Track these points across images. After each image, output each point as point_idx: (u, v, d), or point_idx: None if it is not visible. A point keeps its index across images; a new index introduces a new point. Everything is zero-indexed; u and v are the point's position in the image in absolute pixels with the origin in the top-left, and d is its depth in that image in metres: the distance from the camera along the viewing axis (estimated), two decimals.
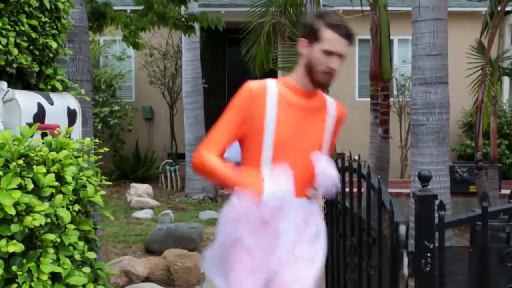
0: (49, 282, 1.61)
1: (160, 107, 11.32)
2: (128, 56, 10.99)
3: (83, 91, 2.65)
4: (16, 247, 1.47)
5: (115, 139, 10.61)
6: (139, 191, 8.67)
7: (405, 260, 2.20)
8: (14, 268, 1.53)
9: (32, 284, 1.56)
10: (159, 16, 6.36)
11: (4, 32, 2.06)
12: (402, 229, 2.23)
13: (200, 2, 9.69)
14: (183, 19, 6.64)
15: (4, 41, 2.02)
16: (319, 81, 2.20)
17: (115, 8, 6.02)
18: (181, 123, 10.26)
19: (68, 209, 1.68)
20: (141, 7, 6.35)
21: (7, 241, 1.50)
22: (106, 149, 2.27)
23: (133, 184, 8.91)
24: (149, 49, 10.34)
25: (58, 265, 1.64)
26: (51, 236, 1.58)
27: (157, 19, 6.38)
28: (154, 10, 6.25)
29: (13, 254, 1.54)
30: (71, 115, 2.31)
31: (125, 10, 8.21)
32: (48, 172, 1.65)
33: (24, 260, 1.56)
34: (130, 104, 10.95)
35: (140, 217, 7.70)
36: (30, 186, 1.56)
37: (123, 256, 5.13)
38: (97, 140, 2.14)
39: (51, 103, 2.20)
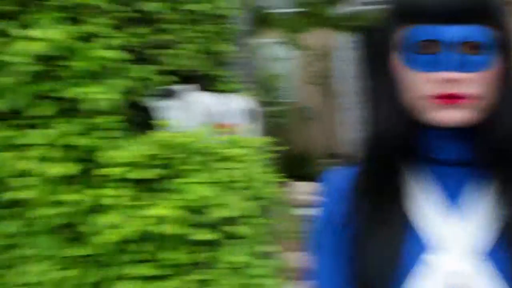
0: (229, 272, 1.68)
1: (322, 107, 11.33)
2: (287, 58, 11.16)
3: (252, 92, 2.75)
4: (209, 235, 1.57)
5: (280, 138, 10.79)
6: (302, 189, 8.72)
7: None
8: (201, 256, 1.63)
9: (215, 272, 1.64)
10: (317, 17, 6.39)
11: (185, 40, 2.22)
12: None
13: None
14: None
15: (186, 47, 2.17)
16: None
17: (275, 11, 6.15)
18: (343, 123, 10.19)
19: (253, 203, 1.75)
20: (300, 9, 6.43)
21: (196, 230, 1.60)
22: (285, 147, 2.32)
23: (295, 182, 8.99)
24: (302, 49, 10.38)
25: (242, 257, 1.71)
26: (238, 228, 1.66)
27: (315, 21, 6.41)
28: (313, 12, 6.29)
29: (202, 242, 1.64)
30: (247, 115, 2.41)
31: (283, 13, 8.35)
32: (235, 168, 1.73)
33: (212, 249, 1.65)
34: (290, 104, 11.11)
35: (304, 214, 7.71)
36: (220, 180, 1.64)
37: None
38: (271, 139, 2.20)
39: (227, 104, 2.32)
